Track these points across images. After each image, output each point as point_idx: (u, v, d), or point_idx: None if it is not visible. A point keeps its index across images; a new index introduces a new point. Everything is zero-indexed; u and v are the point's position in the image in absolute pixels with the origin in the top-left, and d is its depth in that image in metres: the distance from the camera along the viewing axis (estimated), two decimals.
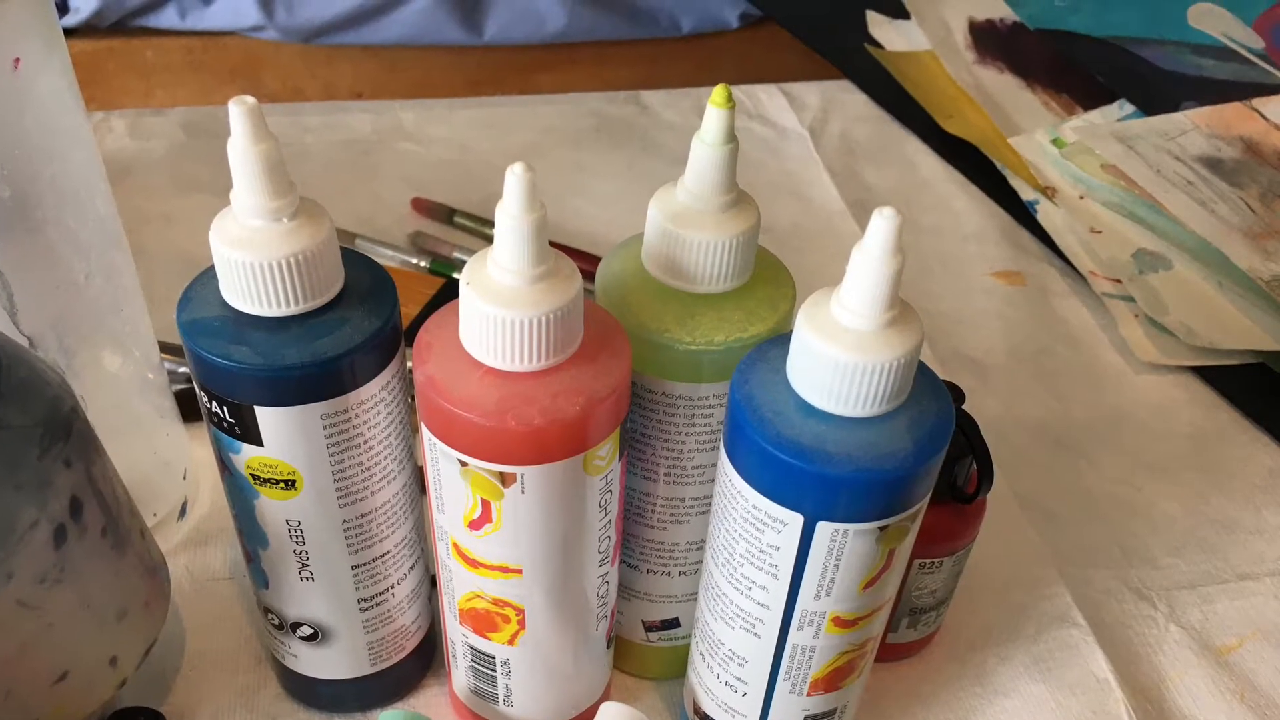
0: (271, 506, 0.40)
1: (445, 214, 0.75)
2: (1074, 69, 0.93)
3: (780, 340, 0.36)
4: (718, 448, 0.39)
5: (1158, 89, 0.89)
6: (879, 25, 0.97)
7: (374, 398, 0.38)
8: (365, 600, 0.44)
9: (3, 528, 0.35)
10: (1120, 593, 0.56)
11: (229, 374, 0.36)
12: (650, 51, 0.99)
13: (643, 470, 0.42)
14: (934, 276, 0.75)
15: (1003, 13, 0.98)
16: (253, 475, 0.39)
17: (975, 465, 0.46)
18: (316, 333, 0.36)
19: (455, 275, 0.70)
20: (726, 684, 0.42)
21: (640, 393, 0.40)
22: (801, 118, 0.89)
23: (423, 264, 0.71)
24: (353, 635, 0.45)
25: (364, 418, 0.38)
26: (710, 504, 0.40)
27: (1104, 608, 0.55)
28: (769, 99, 0.90)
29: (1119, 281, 0.73)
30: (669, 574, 0.46)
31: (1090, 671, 0.52)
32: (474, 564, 0.39)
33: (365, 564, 0.42)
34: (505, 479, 0.36)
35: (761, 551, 0.37)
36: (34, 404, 0.37)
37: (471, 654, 0.43)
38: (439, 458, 0.37)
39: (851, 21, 0.98)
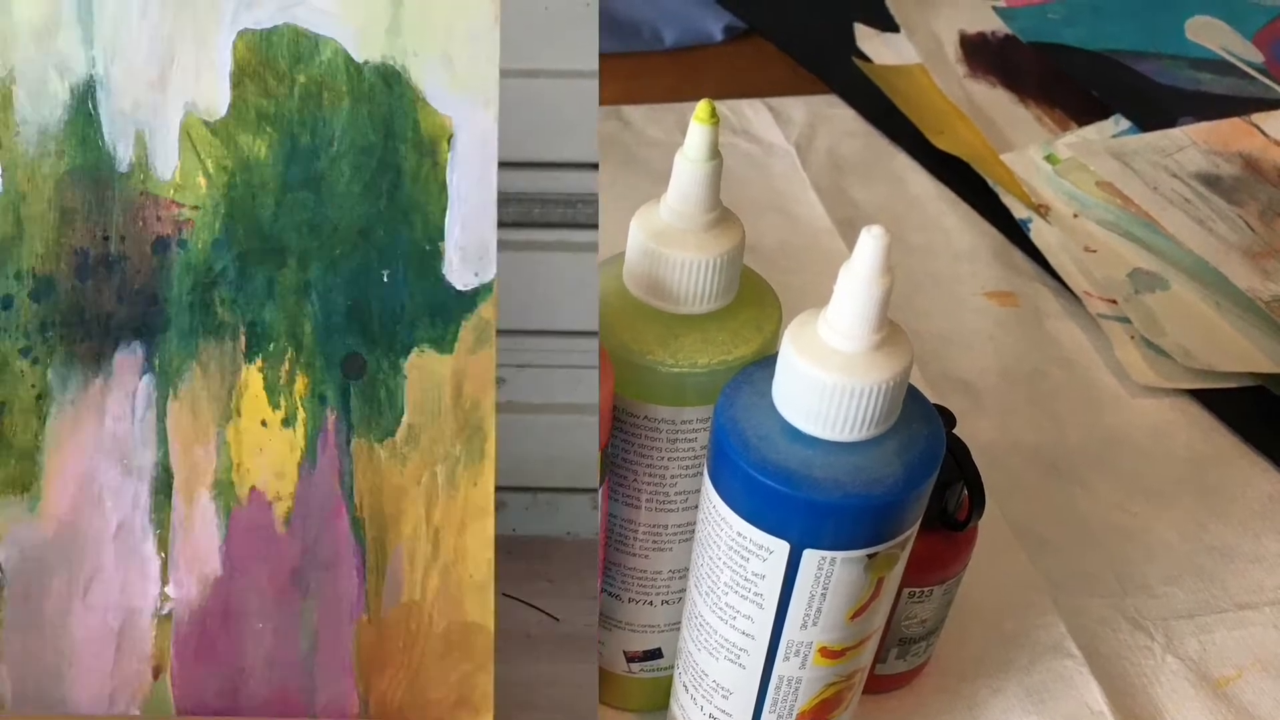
0: None
1: None
2: (1068, 83, 0.92)
3: (766, 362, 0.36)
4: (701, 473, 0.39)
5: (1154, 104, 0.89)
6: (867, 38, 0.97)
7: None
8: None
9: None
10: (1116, 622, 0.55)
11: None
12: (632, 65, 0.98)
13: (624, 496, 0.42)
14: (924, 297, 0.74)
15: (995, 25, 0.98)
16: None
17: (966, 491, 0.46)
18: None
19: None
20: (710, 716, 0.42)
21: (622, 416, 0.40)
22: (787, 133, 0.88)
23: None
24: None
25: None
26: (694, 531, 0.40)
27: (1099, 638, 0.54)
28: (754, 114, 0.89)
29: (1114, 302, 0.73)
30: (651, 603, 0.45)
31: (1085, 704, 0.51)
32: None
33: None
34: None
35: (746, 580, 0.37)
36: None
37: None
38: None
39: (839, 35, 0.97)
